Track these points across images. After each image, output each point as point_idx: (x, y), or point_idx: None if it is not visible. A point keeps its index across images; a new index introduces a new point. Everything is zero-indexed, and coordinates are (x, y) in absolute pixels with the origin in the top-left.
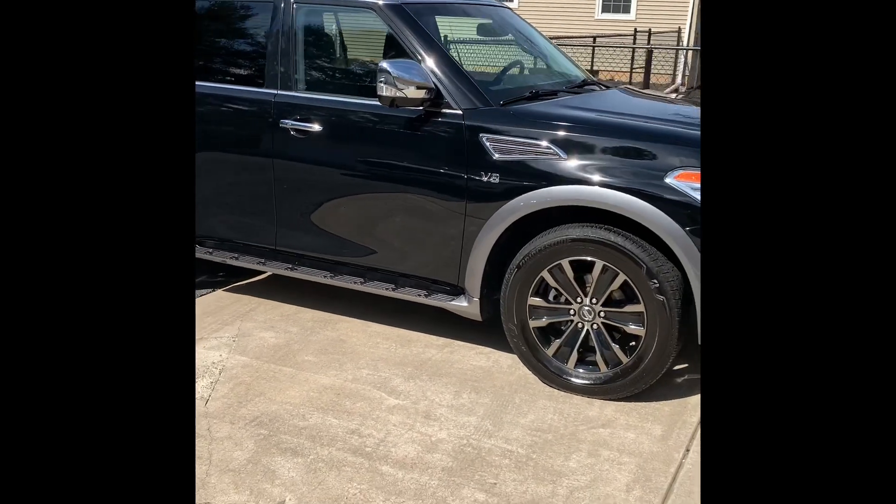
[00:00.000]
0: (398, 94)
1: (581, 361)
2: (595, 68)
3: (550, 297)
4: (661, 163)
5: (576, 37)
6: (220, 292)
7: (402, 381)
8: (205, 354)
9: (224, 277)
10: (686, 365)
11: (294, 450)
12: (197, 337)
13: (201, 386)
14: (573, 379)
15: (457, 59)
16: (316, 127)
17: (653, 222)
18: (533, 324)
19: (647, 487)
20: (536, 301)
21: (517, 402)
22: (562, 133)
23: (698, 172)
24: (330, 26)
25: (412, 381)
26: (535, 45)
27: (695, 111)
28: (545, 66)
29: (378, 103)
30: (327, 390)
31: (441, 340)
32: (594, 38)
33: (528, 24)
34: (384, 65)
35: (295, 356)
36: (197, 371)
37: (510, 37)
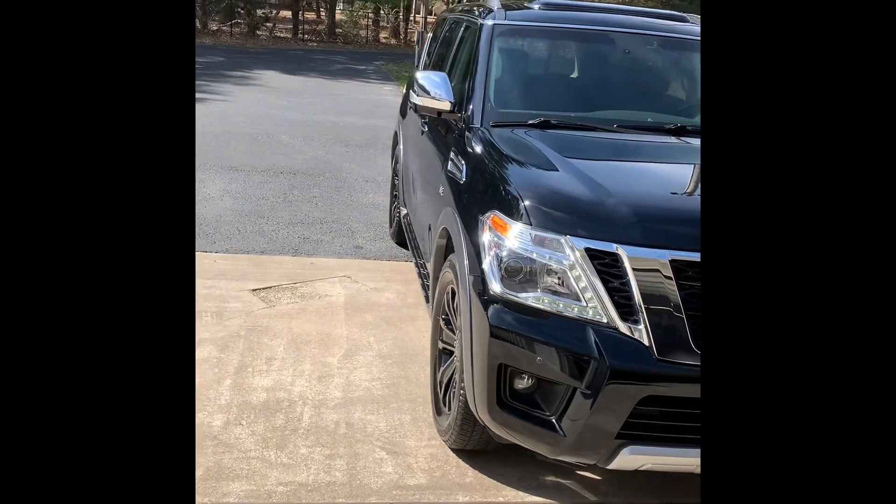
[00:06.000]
0: (421, 102)
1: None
2: None
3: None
4: (494, 203)
5: None
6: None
7: (337, 359)
8: (319, 285)
9: None
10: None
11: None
12: (332, 274)
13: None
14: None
15: (492, 80)
16: None
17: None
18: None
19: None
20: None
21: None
22: (476, 156)
23: (502, 220)
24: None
25: (343, 361)
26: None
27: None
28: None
29: None
30: (306, 333)
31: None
32: None
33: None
34: (417, 75)
35: (335, 312)
36: (280, 287)
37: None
